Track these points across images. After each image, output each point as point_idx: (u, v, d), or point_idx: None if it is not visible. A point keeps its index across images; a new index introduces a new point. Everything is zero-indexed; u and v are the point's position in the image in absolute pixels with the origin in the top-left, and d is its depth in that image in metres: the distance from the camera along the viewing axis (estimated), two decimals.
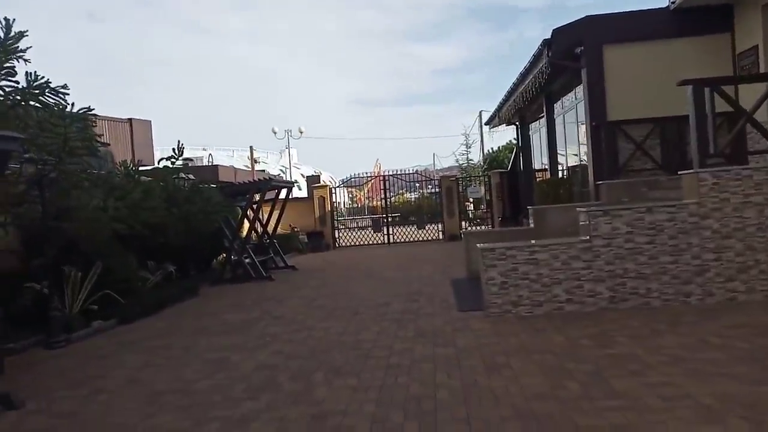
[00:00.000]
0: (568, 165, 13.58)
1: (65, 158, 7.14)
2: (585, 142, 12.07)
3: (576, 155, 12.78)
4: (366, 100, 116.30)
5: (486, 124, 21.00)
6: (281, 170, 44.70)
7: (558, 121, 14.25)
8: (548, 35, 10.68)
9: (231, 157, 43.53)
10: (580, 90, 12.06)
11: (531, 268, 6.95)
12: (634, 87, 10.61)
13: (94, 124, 8.31)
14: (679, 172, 7.40)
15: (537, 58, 11.48)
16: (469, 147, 35.79)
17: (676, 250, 6.86)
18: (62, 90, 7.84)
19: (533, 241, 7.25)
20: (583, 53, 10.79)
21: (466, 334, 6.19)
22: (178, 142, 11.23)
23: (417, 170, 23.17)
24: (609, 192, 10.21)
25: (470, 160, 35.20)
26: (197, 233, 11.58)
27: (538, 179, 17.72)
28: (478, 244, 7.34)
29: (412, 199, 34.39)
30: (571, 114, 12.83)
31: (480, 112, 37.97)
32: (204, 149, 43.25)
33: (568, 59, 10.97)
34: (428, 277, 11.21)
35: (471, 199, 28.38)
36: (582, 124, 12.40)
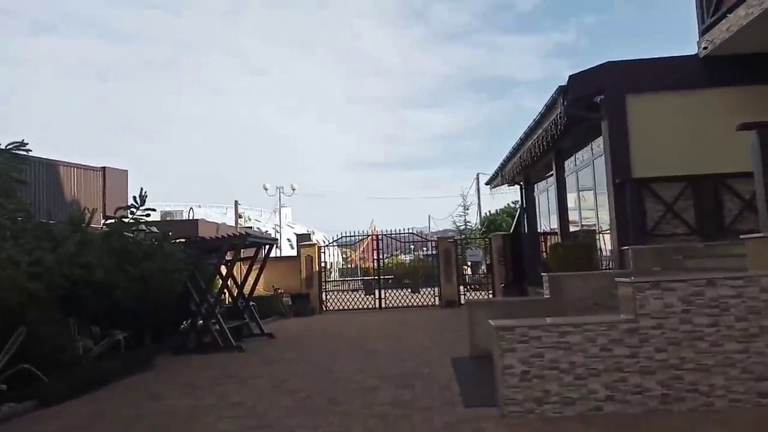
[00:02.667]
0: (583, 228, 12.18)
1: None
2: (603, 204, 10.73)
3: (593, 217, 11.41)
4: (364, 162, 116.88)
5: (487, 183, 19.78)
6: (275, 229, 43.32)
7: (570, 180, 12.97)
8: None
9: (224, 215, 42.22)
10: (597, 145, 10.84)
11: (561, 354, 5.38)
12: (661, 141, 9.37)
13: (21, 164, 6.87)
14: (741, 236, 5.97)
15: (550, 108, 10.28)
16: (467, 209, 34.68)
17: (746, 335, 5.33)
18: None
19: (563, 319, 5.71)
20: (603, 102, 9.60)
21: None
22: (141, 189, 9.85)
23: (412, 231, 21.78)
24: (636, 259, 8.76)
25: (468, 222, 33.97)
26: (160, 295, 9.96)
27: (547, 242, 16.30)
28: (491, 321, 5.78)
29: (407, 262, 32.90)
30: (587, 171, 11.55)
31: (477, 175, 37.15)
32: (199, 206, 41.96)
33: (585, 109, 9.77)
34: (425, 353, 9.54)
35: (469, 263, 26.91)
36: (596, 187, 11.11)
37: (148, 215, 9.87)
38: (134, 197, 9.62)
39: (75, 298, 8.59)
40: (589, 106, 9.78)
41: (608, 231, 10.82)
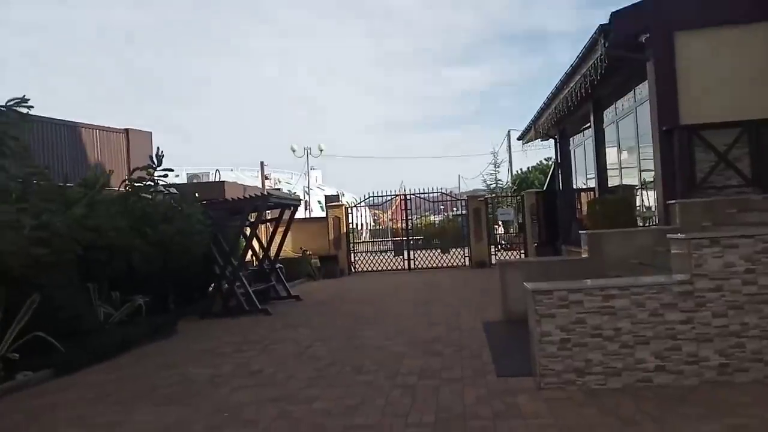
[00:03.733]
0: (623, 183, 11.39)
1: None
2: (647, 156, 9.93)
3: (635, 170, 10.61)
4: (393, 123, 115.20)
5: (519, 139, 18.89)
6: (305, 191, 43.13)
7: (609, 130, 12.11)
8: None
9: (256, 178, 42.07)
10: (641, 90, 9.97)
11: (605, 320, 4.83)
12: (714, 83, 8.47)
13: (27, 120, 6.48)
14: None
15: (589, 50, 9.42)
16: (498, 167, 33.71)
17: None
18: None
19: (607, 281, 5.14)
20: (649, 42, 8.69)
21: (512, 426, 4.07)
22: (158, 149, 9.49)
23: (442, 191, 21.13)
24: (684, 214, 8.01)
25: (498, 180, 33.06)
26: (181, 258, 9.68)
27: (582, 199, 15.53)
28: (526, 284, 5.25)
29: (436, 222, 32.34)
30: (629, 120, 10.70)
31: (509, 131, 35.96)
32: (231, 170, 41.87)
33: (629, 50, 8.89)
34: (455, 317, 9.09)
35: (500, 223, 26.20)
36: (639, 138, 10.29)
37: (165, 176, 9.52)
38: (150, 157, 9.26)
39: (93, 263, 8.35)
40: (633, 47, 8.88)
41: (652, 185, 10.07)
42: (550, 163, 40.18)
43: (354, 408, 4.70)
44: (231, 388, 5.62)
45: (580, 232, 9.10)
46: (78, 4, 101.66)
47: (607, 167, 12.51)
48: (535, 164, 39.80)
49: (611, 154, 12.20)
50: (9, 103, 6.24)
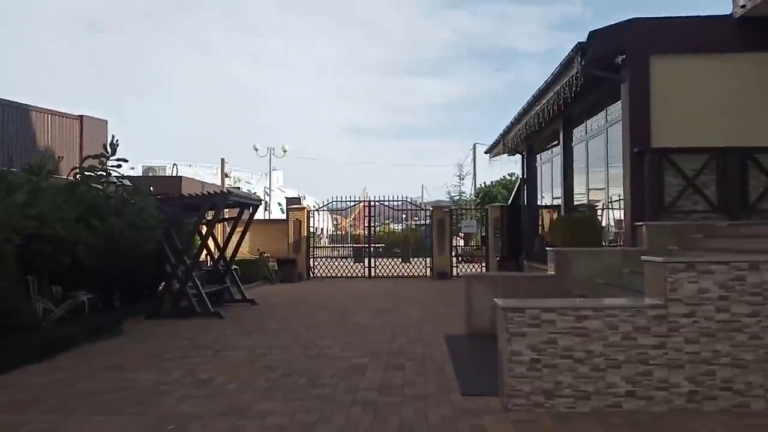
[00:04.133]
0: (590, 201, 11.42)
1: None
2: (615, 176, 9.97)
3: (603, 190, 10.63)
4: (360, 129, 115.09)
5: (487, 152, 18.94)
6: (265, 191, 42.38)
7: (578, 149, 12.16)
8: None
9: (215, 175, 41.13)
10: (613, 111, 10.02)
11: (577, 341, 4.66)
12: (686, 108, 8.56)
13: None
14: None
15: (565, 67, 9.39)
16: (462, 179, 33.85)
17: None
18: None
19: (582, 302, 4.98)
20: (625, 63, 8.73)
21: None
22: (112, 137, 8.96)
23: (406, 199, 20.97)
24: (651, 236, 8.01)
25: (462, 192, 33.19)
26: (130, 254, 9.14)
27: (546, 216, 15.58)
28: (497, 300, 5.03)
29: (398, 230, 32.17)
30: (599, 140, 10.73)
31: (474, 145, 36.25)
32: (189, 165, 40.76)
33: (605, 69, 8.90)
34: (416, 328, 8.85)
35: (461, 235, 26.21)
36: (608, 158, 10.32)
37: (119, 166, 8.99)
38: (104, 145, 8.71)
39: (35, 255, 7.77)
40: (609, 67, 8.91)
41: (617, 206, 10.11)
42: (514, 178, 40.56)
43: (311, 425, 4.37)
44: (177, 397, 5.20)
45: (546, 249, 9.00)
46: None
47: (574, 186, 12.55)
48: (499, 179, 40.08)
49: (579, 172, 12.24)
50: None
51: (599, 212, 11.00)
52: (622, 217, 9.40)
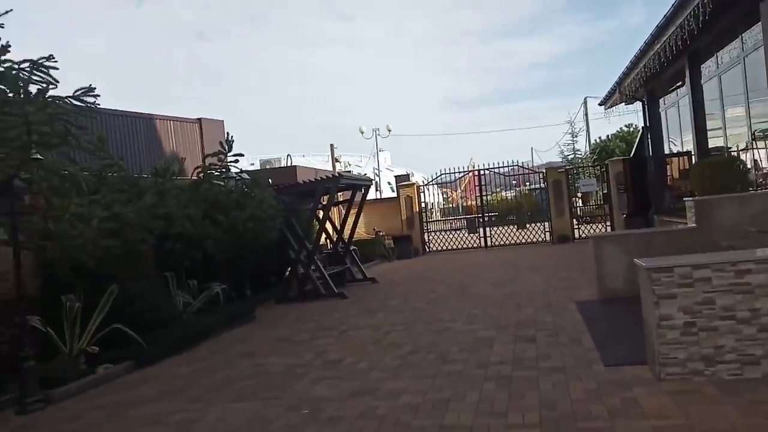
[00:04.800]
0: (728, 144, 10.16)
1: (36, 152, 5.16)
2: (758, 112, 8.78)
3: (744, 128, 9.41)
4: (461, 99, 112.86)
5: (601, 104, 17.56)
6: (374, 172, 42.99)
7: (709, 87, 10.85)
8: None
9: (326, 162, 42.44)
10: (749, 37, 8.77)
11: (739, 299, 4.08)
12: None
13: (92, 112, 6.32)
14: None
15: None
16: (575, 136, 32.02)
17: None
18: (47, 63, 5.95)
19: (741, 254, 4.36)
20: None
21: (637, 429, 3.45)
22: (227, 134, 9.29)
23: (518, 164, 20.15)
24: None
25: (577, 150, 31.42)
26: (254, 244, 9.53)
27: (676, 165, 14.24)
28: (638, 261, 4.54)
29: (510, 197, 31.22)
30: (735, 73, 9.47)
31: (585, 99, 34.19)
32: (303, 156, 42.31)
33: None
34: (542, 297, 8.42)
35: (579, 195, 24.87)
36: (748, 92, 9.08)
37: (236, 161, 9.35)
38: (220, 142, 9.08)
39: (169, 253, 8.31)
40: None
41: (763, 145, 8.91)
42: (632, 129, 37.88)
43: (444, 404, 4.22)
44: (310, 380, 5.28)
45: (684, 199, 8.14)
46: (149, 7, 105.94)
47: (707, 128, 11.26)
48: (615, 132, 37.53)
49: (712, 112, 10.95)
50: (76, 93, 6.12)
51: (740, 153, 9.78)
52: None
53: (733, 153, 9.74)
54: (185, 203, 7.61)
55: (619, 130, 37.55)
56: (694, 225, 7.49)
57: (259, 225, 8.86)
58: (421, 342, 6.28)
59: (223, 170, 9.05)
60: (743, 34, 8.96)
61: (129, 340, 6.66)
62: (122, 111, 13.68)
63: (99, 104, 6.30)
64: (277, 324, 8.55)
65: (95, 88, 6.33)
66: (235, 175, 9.41)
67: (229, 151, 9.11)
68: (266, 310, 9.84)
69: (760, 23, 8.10)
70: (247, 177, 9.45)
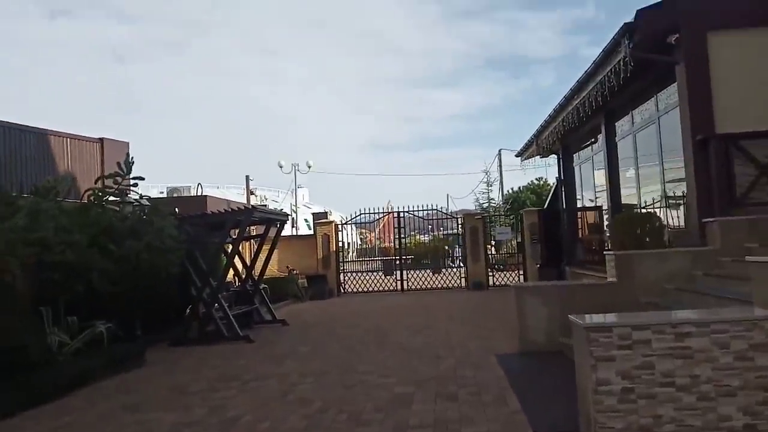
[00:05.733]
0: (643, 200, 10.45)
1: None
2: (672, 170, 9.07)
3: (658, 185, 9.69)
4: (380, 142, 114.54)
5: (518, 155, 18.00)
6: (292, 209, 42.02)
7: (624, 144, 11.23)
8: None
9: (241, 195, 41.02)
10: (664, 97, 9.12)
11: (679, 365, 3.80)
12: (753, 88, 7.64)
13: None
14: None
15: (609, 53, 8.53)
16: (490, 185, 32.88)
17: None
18: None
19: (681, 314, 4.13)
20: (679, 42, 7.86)
21: None
22: (127, 156, 8.38)
23: (435, 208, 20.15)
24: (725, 233, 7.11)
25: (491, 199, 32.22)
26: (150, 278, 8.54)
27: (587, 219, 14.62)
28: (573, 318, 4.20)
29: (426, 241, 31.38)
30: (650, 132, 9.81)
31: (499, 150, 35.30)
32: (217, 187, 40.64)
33: (656, 51, 8.05)
34: (461, 348, 8.02)
35: (492, 243, 25.34)
36: (662, 151, 9.40)
37: (135, 185, 8.41)
38: (118, 163, 8.15)
39: (46, 283, 7.21)
40: (660, 48, 8.04)
41: (676, 203, 9.20)
42: (542, 182, 39.60)
43: None
44: None
45: (605, 252, 8.13)
46: (68, 22, 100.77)
47: (620, 184, 11.61)
48: (527, 184, 39.04)
49: (626, 169, 11.31)
50: None
51: (655, 211, 10.06)
52: (684, 215, 8.48)
53: (647, 209, 9.99)
54: (68, 228, 6.62)
55: (530, 182, 39.09)
56: (615, 279, 7.43)
57: (156, 256, 7.92)
58: (332, 397, 5.63)
59: (119, 194, 8.10)
60: (658, 95, 9.32)
61: None
62: (10, 123, 12.26)
63: None
64: (170, 370, 7.57)
65: None
66: (132, 201, 8.45)
67: (128, 173, 8.19)
68: (160, 352, 8.79)
69: (674, 84, 8.43)
70: (147, 203, 8.50)
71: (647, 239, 8.00)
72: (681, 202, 8.48)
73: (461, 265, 21.95)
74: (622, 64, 8.19)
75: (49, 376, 6.36)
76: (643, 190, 10.44)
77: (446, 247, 29.19)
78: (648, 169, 10.21)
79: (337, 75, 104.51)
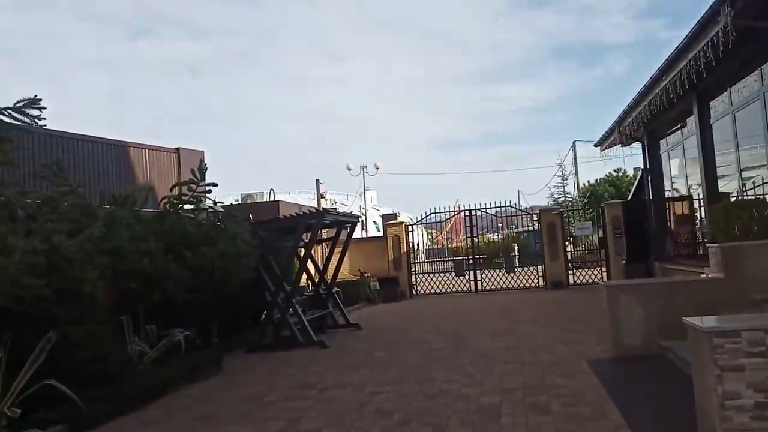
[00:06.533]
0: (745, 186, 9.45)
1: None
2: None
3: (762, 168, 8.71)
4: (449, 142, 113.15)
5: (597, 145, 17.00)
6: (361, 211, 42.23)
7: (720, 126, 10.24)
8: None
9: (312, 200, 41.69)
10: None
11: None
12: None
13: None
14: None
15: (704, 25, 7.72)
16: (566, 179, 31.56)
17: None
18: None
19: None
20: None
21: None
22: (201, 162, 8.43)
23: (509, 204, 19.42)
24: None
25: (567, 193, 30.93)
26: (225, 284, 8.52)
27: (676, 209, 13.58)
28: (691, 320, 3.65)
29: (498, 240, 30.48)
30: (752, 110, 8.85)
31: (574, 142, 33.88)
32: (289, 193, 41.48)
33: (761, 18, 7.19)
34: (547, 352, 7.47)
35: (569, 239, 24.25)
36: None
37: (209, 191, 8.42)
38: (192, 170, 8.18)
39: (125, 293, 7.29)
40: (767, 14, 7.18)
41: None
42: (620, 174, 37.68)
43: None
44: None
45: (708, 245, 7.36)
46: (145, 42, 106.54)
47: (717, 170, 10.59)
48: (603, 176, 37.26)
49: (724, 153, 10.30)
50: (17, 105, 5.23)
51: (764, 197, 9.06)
52: None
53: (749, 196, 9.02)
54: (144, 236, 6.65)
55: (607, 174, 37.26)
56: (722, 275, 6.65)
57: (230, 262, 7.87)
58: (413, 409, 5.28)
59: (194, 201, 8.12)
60: (762, 67, 8.38)
61: (65, 397, 5.58)
62: (93, 137, 12.77)
63: (44, 118, 5.37)
64: (246, 378, 7.48)
65: (41, 100, 5.44)
66: (207, 208, 8.47)
67: (202, 180, 8.20)
68: (236, 359, 8.76)
69: None
70: (221, 209, 8.50)
71: (755, 228, 7.14)
72: None
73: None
74: (721, 35, 7.36)
75: (130, 386, 6.37)
76: (744, 174, 9.45)
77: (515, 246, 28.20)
78: (750, 151, 9.23)
79: (404, 76, 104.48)
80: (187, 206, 8.25)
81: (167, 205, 8.14)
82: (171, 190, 8.24)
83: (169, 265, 7.01)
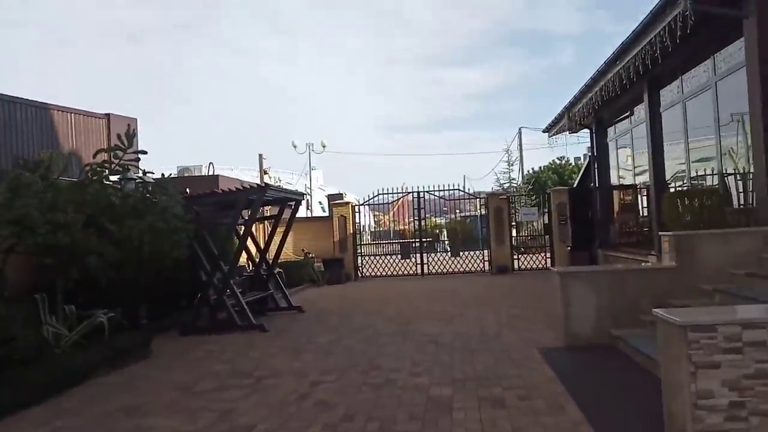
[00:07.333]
0: (691, 175, 9.50)
1: None
2: (731, 142, 8.13)
3: (712, 160, 8.73)
4: (395, 125, 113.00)
5: (545, 131, 16.99)
6: (306, 190, 41.29)
7: (669, 114, 10.26)
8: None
9: (255, 178, 40.34)
10: (723, 59, 8.15)
11: None
12: None
13: None
14: None
15: (663, 7, 7.57)
16: (511, 165, 31.82)
17: None
18: None
19: None
20: None
21: None
22: (128, 127, 7.68)
23: (457, 188, 19.23)
24: None
25: (513, 179, 31.21)
26: (154, 262, 7.84)
27: (620, 197, 13.71)
28: (662, 312, 3.39)
29: (443, 223, 30.47)
30: (703, 99, 8.84)
31: (520, 129, 34.23)
32: (231, 169, 40.03)
33: (718, 4, 7.09)
34: (497, 340, 7.24)
35: (513, 224, 24.44)
36: (719, 119, 8.43)
37: (138, 159, 7.68)
38: (118, 135, 7.41)
39: (42, 270, 6.54)
40: (724, 1, 7.09)
41: (738, 176, 8.25)
42: (563, 162, 38.43)
43: None
44: None
45: (660, 233, 7.27)
46: (81, 3, 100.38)
47: (665, 158, 10.65)
48: (547, 164, 37.85)
49: (673, 142, 10.34)
50: None
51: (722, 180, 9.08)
52: (750, 191, 7.53)
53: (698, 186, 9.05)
54: (60, 206, 5.92)
55: (551, 162, 37.98)
56: (674, 264, 6.56)
57: (160, 238, 7.20)
58: (357, 402, 4.89)
59: (121, 170, 7.37)
60: (715, 56, 8.35)
61: None
62: (10, 96, 11.62)
63: None
64: (177, 364, 6.90)
65: None
66: (135, 178, 7.73)
67: (129, 146, 7.45)
68: (168, 343, 8.13)
69: (736, 43, 7.48)
70: (152, 180, 7.78)
71: (706, 217, 7.09)
72: (748, 176, 7.50)
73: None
74: (679, 19, 7.22)
75: (43, 372, 5.71)
76: (693, 165, 9.49)
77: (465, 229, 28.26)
78: (700, 140, 9.26)
79: (352, 55, 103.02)
80: (113, 176, 7.50)
81: (90, 173, 7.36)
82: (94, 156, 7.45)
83: (90, 239, 6.31)
